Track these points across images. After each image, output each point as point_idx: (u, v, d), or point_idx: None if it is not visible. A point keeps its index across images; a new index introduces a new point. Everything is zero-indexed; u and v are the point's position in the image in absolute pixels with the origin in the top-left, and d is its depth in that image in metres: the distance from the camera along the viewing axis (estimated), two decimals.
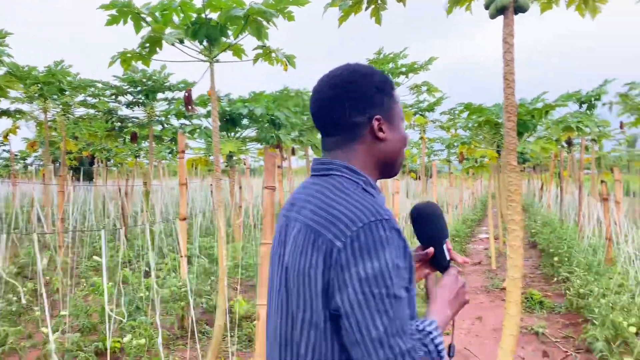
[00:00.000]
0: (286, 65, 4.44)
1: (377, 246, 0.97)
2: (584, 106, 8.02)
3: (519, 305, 3.03)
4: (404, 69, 8.18)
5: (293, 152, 10.65)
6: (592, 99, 7.80)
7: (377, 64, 8.16)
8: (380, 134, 1.14)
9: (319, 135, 11.17)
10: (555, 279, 6.53)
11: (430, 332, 1.03)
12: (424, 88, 8.74)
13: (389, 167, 1.19)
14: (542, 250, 8.49)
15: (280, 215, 1.23)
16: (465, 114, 7.25)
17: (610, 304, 4.19)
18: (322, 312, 1.02)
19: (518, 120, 6.33)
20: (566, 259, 6.67)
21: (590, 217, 7.36)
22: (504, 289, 6.47)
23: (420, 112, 11.25)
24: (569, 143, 9.98)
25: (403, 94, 9.04)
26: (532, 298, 5.66)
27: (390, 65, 8.27)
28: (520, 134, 6.44)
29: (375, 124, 1.13)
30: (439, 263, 1.24)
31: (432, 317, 1.12)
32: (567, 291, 5.42)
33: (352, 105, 1.13)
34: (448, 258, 1.24)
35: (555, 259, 7.11)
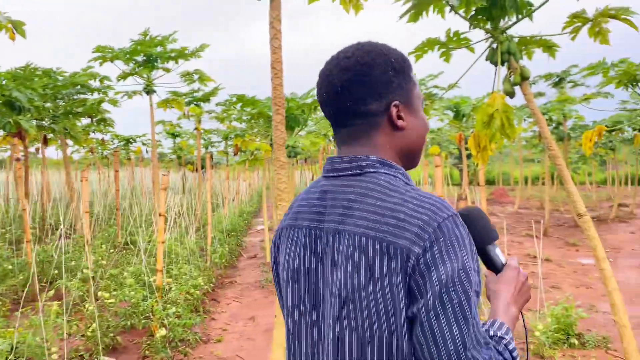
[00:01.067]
0: (13, 33, 3.55)
1: (454, 246, 0.88)
2: None
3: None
4: (173, 54, 7.61)
5: (45, 142, 9.12)
6: None
7: (143, 46, 7.44)
8: (400, 122, 1.01)
9: (79, 123, 9.97)
10: None
11: (502, 338, 0.96)
12: (196, 76, 8.27)
13: (411, 157, 1.06)
14: None
15: (289, 226, 1.06)
16: (239, 106, 7.06)
17: None
18: (405, 330, 0.89)
19: (289, 115, 6.35)
20: None
21: None
22: None
23: (195, 102, 10.78)
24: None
25: (174, 81, 8.47)
26: None
27: (158, 48, 7.63)
28: (291, 128, 6.48)
29: (394, 110, 1.00)
30: (494, 266, 1.13)
31: (499, 318, 1.02)
32: None
33: (367, 90, 0.98)
34: (503, 260, 1.13)
35: None
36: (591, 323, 4.82)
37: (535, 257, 8.39)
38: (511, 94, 3.33)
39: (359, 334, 0.91)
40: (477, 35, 3.44)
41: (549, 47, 3.87)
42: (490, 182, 34.03)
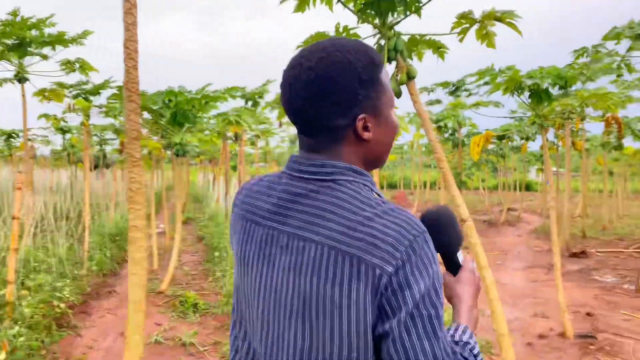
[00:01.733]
0: None
1: (426, 264, 0.88)
2: (250, 103, 8.29)
3: (142, 334, 2.47)
4: (49, 39, 6.83)
5: None
6: (256, 96, 8.11)
7: (14, 27, 6.60)
8: (365, 135, 0.97)
9: None
10: (212, 276, 6.37)
11: (467, 343, 0.99)
12: (77, 65, 7.51)
13: (375, 163, 1.03)
14: (207, 245, 8.37)
15: (244, 218, 1.04)
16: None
17: None
18: (370, 348, 0.89)
19: (178, 110, 5.91)
20: (226, 254, 6.60)
21: None
22: (161, 292, 5.97)
23: (83, 95, 9.89)
24: (237, 137, 10.23)
25: (53, 68, 7.64)
26: (186, 301, 5.28)
27: (34, 32, 6.82)
28: (180, 125, 6.02)
29: (359, 124, 0.96)
30: (455, 268, 1.13)
31: (462, 322, 1.05)
32: (221, 290, 5.23)
33: (331, 107, 0.93)
34: (461, 261, 1.12)
35: (217, 254, 6.99)
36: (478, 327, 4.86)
37: None
38: (397, 93, 3.18)
39: (320, 345, 0.90)
40: (368, 32, 3.25)
41: (438, 49, 3.80)
42: (392, 186, 35.18)
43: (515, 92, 4.95)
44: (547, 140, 12.67)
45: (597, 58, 4.61)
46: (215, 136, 7.35)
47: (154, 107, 5.70)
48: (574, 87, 6.10)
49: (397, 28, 3.26)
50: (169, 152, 8.48)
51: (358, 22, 3.28)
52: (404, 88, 3.21)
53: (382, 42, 3.20)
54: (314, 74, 0.93)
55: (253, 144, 13.94)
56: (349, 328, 0.88)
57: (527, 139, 14.74)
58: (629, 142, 13.31)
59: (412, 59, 4.03)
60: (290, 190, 0.98)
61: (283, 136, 16.81)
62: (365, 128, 0.97)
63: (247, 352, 1.04)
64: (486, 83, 5.48)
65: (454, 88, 11.90)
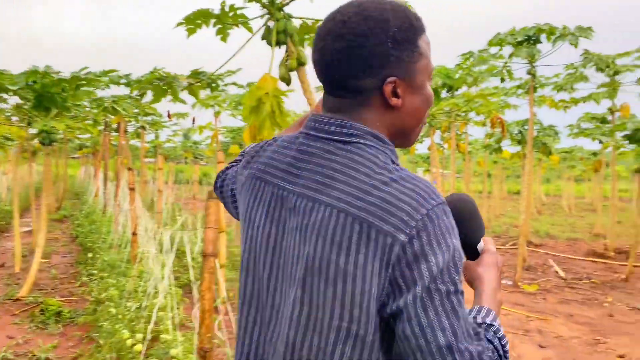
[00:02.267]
0: None
1: (445, 236, 0.81)
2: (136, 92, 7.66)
3: None
4: None
5: None
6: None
7: None
8: (394, 100, 0.89)
9: None
10: (81, 280, 5.73)
11: (491, 325, 0.91)
12: None
13: (404, 136, 0.95)
14: (81, 245, 7.60)
15: (254, 177, 0.99)
16: None
17: (120, 315, 3.62)
18: (372, 322, 0.82)
19: (44, 93, 5.21)
20: (99, 255, 5.97)
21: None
22: (19, 299, 5.24)
23: None
24: (118, 127, 9.44)
25: None
26: (47, 309, 4.64)
27: None
28: (46, 109, 5.32)
29: (388, 88, 0.88)
30: (475, 255, 1.06)
31: (485, 304, 0.96)
32: (89, 296, 4.66)
33: (360, 65, 0.87)
34: (482, 245, 1.06)
35: (90, 255, 6.32)
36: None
37: None
38: (287, 81, 2.94)
39: (318, 308, 0.85)
40: (257, 12, 2.97)
41: None
42: None
43: None
44: (433, 141, 13.14)
45: (483, 59, 4.74)
46: (90, 125, 6.64)
47: (12, 88, 4.96)
48: (460, 91, 6.31)
49: (287, 10, 3.02)
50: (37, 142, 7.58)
51: (245, 0, 3.00)
52: (294, 77, 2.98)
53: (271, 24, 2.94)
54: (345, 28, 0.87)
55: (139, 136, 13.05)
56: (353, 299, 0.82)
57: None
58: (505, 146, 14.30)
59: (304, 47, 3.83)
60: (305, 150, 0.93)
61: (175, 130, 15.98)
62: (395, 94, 0.90)
63: (254, 323, 0.97)
64: None
65: None
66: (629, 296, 6.44)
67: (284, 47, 2.98)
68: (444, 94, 5.00)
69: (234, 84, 11.78)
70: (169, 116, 10.24)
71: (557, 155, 19.68)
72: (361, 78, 0.88)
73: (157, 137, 16.61)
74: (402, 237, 0.80)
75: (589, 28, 6.27)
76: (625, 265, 8.14)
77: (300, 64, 2.92)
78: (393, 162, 0.90)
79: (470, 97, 4.42)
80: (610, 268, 8.30)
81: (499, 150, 10.40)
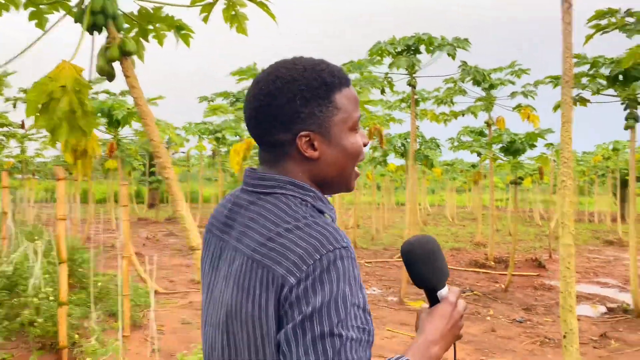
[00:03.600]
0: None
1: (331, 279, 0.84)
2: None
3: None
4: None
5: None
6: None
7: None
8: (309, 152, 0.96)
9: None
10: None
11: None
12: None
13: (330, 185, 1.01)
14: None
15: (207, 230, 1.09)
16: None
17: None
18: None
19: None
20: None
21: None
22: None
23: None
24: None
25: None
26: None
27: None
28: None
29: (301, 141, 0.95)
30: (435, 301, 1.03)
31: (407, 353, 0.94)
32: None
33: (272, 122, 0.96)
34: (444, 293, 1.03)
35: None
36: None
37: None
38: (109, 74, 2.31)
39: (238, 351, 0.93)
40: None
41: (180, 30, 3.05)
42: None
43: None
44: None
45: (360, 64, 4.41)
46: None
47: None
48: None
49: None
50: None
51: None
52: (119, 70, 2.36)
53: (86, 1, 2.30)
54: (258, 89, 0.97)
55: None
56: (262, 340, 0.88)
57: None
58: (391, 160, 14.47)
59: (148, 40, 3.21)
60: (237, 202, 1.02)
61: (45, 141, 14.29)
62: (312, 146, 0.96)
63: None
64: None
65: (234, 100, 11.39)
66: (509, 307, 6.47)
67: (104, 33, 2.35)
68: None
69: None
70: (22, 126, 8.97)
71: (440, 167, 20.53)
72: (275, 134, 0.96)
73: (22, 150, 14.83)
74: (292, 280, 0.85)
75: (466, 39, 6.26)
76: (504, 274, 8.33)
77: (125, 53, 2.31)
78: (313, 207, 0.96)
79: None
80: (492, 278, 8.45)
81: (384, 163, 10.34)
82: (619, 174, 17.56)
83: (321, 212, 0.97)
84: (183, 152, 20.68)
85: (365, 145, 1.03)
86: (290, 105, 0.94)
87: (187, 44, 3.19)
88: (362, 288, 0.89)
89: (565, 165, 2.76)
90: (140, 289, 6.55)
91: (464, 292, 7.24)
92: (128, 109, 6.30)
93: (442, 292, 1.02)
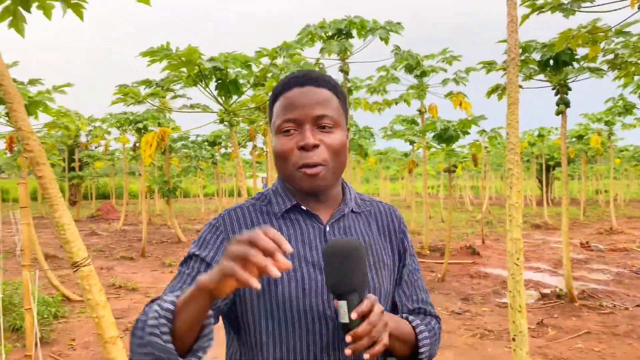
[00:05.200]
0: None
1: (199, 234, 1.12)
2: None
3: None
4: None
5: None
6: None
7: None
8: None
9: None
10: None
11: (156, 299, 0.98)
12: None
13: (289, 183, 1.11)
14: None
15: None
16: None
17: None
18: None
19: None
20: None
21: None
22: None
23: None
24: None
25: None
26: None
27: None
28: None
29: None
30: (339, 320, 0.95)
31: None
32: None
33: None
34: (347, 320, 0.92)
35: None
36: None
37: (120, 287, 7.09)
38: None
39: None
40: None
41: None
42: (105, 196, 31.85)
43: (200, 83, 4.00)
44: (255, 145, 12.26)
45: (288, 45, 4.03)
46: None
47: None
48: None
49: None
50: None
51: None
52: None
53: None
54: None
55: None
56: None
57: (240, 145, 14.53)
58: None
59: (29, 11, 2.67)
60: None
61: None
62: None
63: None
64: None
65: (157, 87, 10.65)
66: (447, 298, 6.35)
67: None
68: (247, 89, 4.17)
69: None
70: None
71: (374, 156, 20.54)
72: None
73: None
74: None
75: (399, 23, 6.01)
76: (440, 263, 8.27)
77: None
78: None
79: (270, 90, 3.65)
80: (428, 267, 8.37)
81: None
82: (543, 160, 18.27)
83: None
84: (100, 146, 19.35)
85: (305, 147, 1.03)
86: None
87: (80, 16, 2.68)
88: (203, 244, 1.08)
89: (511, 152, 2.51)
90: (52, 298, 5.88)
91: None
92: (29, 97, 5.57)
93: (341, 303, 0.95)
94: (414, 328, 1.11)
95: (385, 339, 0.94)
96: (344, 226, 1.12)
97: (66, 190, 19.92)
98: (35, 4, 2.67)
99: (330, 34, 5.96)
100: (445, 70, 8.51)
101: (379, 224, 1.18)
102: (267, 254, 0.78)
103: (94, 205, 24.29)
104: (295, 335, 1.03)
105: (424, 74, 8.51)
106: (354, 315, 0.91)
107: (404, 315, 1.14)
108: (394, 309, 1.18)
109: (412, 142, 10.96)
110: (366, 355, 0.92)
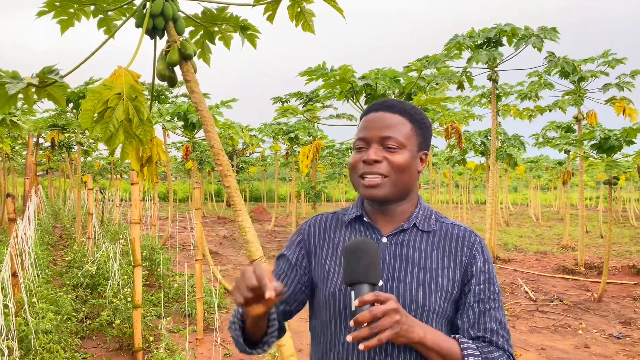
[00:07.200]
0: None
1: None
2: None
3: None
4: None
5: None
6: None
7: None
8: None
9: None
10: None
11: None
12: None
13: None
14: None
15: None
16: None
17: None
18: None
19: None
20: None
21: None
22: None
23: None
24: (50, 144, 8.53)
25: None
26: None
27: None
28: None
29: None
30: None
31: None
32: None
33: None
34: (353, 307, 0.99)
35: None
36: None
37: None
38: (170, 79, 2.24)
39: None
40: None
41: (246, 31, 2.94)
42: (257, 199, 34.32)
43: (351, 98, 4.29)
44: None
45: (436, 59, 4.13)
46: None
47: None
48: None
49: None
50: None
51: None
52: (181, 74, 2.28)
53: (147, 5, 2.24)
54: None
55: (87, 153, 12.15)
56: None
57: None
58: (470, 158, 13.85)
59: (214, 43, 3.14)
60: None
61: None
62: None
63: None
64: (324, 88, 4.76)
65: (307, 99, 11.33)
66: (604, 320, 5.88)
67: (165, 37, 2.28)
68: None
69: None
70: None
71: (523, 165, 19.44)
72: None
73: (111, 153, 15.68)
74: None
75: (554, 29, 5.76)
76: (597, 282, 7.65)
77: (185, 57, 2.22)
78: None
79: (420, 102, 3.78)
80: (583, 286, 7.78)
81: (463, 162, 9.85)
82: None
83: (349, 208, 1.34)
84: (258, 152, 21.01)
85: (366, 161, 1.19)
86: None
87: (254, 45, 3.08)
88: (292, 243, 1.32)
89: None
90: (215, 289, 6.62)
91: (552, 302, 6.71)
92: None
93: (355, 293, 1.03)
94: (459, 344, 1.11)
95: (386, 335, 0.98)
96: (402, 240, 1.21)
97: (225, 193, 21.95)
98: (218, 37, 3.15)
99: (478, 42, 5.91)
100: (607, 74, 7.87)
101: (446, 245, 1.21)
102: (250, 288, 0.97)
103: (248, 207, 26.35)
104: (336, 330, 1.19)
105: (582, 79, 7.96)
106: (356, 303, 0.98)
107: (456, 336, 1.14)
108: (454, 332, 1.19)
109: (567, 151, 10.26)
110: (361, 346, 0.97)
